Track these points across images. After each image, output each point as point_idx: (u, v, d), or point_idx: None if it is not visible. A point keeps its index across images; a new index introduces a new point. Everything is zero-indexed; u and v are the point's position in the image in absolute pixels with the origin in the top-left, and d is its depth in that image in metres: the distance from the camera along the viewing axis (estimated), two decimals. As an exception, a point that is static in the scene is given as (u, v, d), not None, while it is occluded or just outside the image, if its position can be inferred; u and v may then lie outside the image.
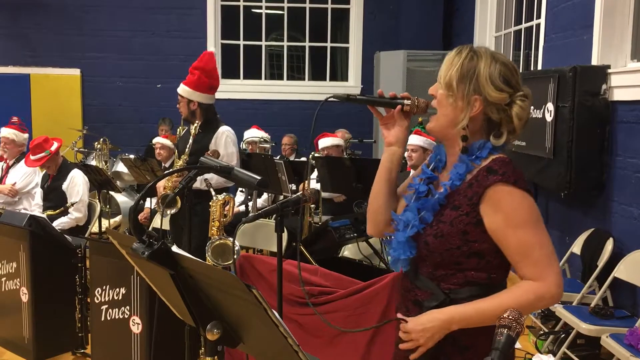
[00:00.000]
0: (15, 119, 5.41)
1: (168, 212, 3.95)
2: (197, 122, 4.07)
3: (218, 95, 4.22)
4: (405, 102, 1.64)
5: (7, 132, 5.22)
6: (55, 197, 4.77)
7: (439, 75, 1.60)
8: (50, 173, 4.88)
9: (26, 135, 5.35)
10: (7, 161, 5.33)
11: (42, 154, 4.70)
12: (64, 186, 4.75)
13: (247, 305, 1.23)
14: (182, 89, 4.03)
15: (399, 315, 1.63)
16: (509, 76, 1.55)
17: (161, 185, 4.07)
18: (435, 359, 1.59)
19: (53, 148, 4.75)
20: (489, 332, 1.51)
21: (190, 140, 4.02)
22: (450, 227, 1.55)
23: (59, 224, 4.58)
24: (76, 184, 4.76)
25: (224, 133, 4.06)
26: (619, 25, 4.13)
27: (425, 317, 1.57)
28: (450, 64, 1.57)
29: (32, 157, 4.75)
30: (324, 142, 5.42)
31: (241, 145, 6.19)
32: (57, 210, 4.67)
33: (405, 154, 4.77)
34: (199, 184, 3.79)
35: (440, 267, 1.59)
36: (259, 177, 1.64)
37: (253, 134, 6.18)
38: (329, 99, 1.66)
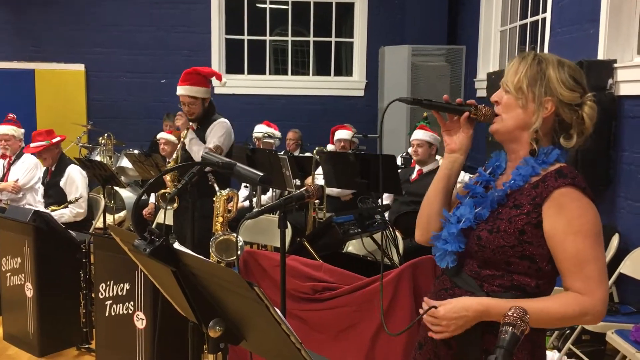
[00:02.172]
0: (11, 115, 5.40)
1: (168, 207, 3.96)
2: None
3: (222, 90, 4.23)
4: (472, 109, 1.61)
5: (6, 129, 5.21)
6: (54, 194, 4.78)
7: (503, 82, 1.59)
8: (48, 166, 4.88)
9: (23, 131, 5.35)
10: (10, 158, 5.33)
11: (42, 143, 4.70)
12: (62, 183, 4.75)
13: (249, 302, 1.22)
14: (197, 90, 3.99)
15: (428, 300, 1.58)
16: (578, 77, 1.57)
17: (167, 179, 4.10)
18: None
19: (54, 140, 4.75)
20: (523, 341, 1.46)
21: (179, 146, 4.05)
22: (507, 223, 1.51)
23: (59, 215, 4.58)
24: (74, 181, 4.75)
25: (218, 123, 4.08)
26: (626, 19, 4.09)
27: (460, 304, 1.52)
28: (516, 69, 1.57)
29: (31, 145, 4.76)
30: (342, 134, 5.45)
31: (254, 140, 6.20)
32: (62, 206, 4.68)
33: (411, 150, 4.76)
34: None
35: (488, 265, 1.55)
36: (261, 173, 1.63)
37: (261, 129, 6.18)
38: (395, 101, 1.63)
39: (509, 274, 1.53)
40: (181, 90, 4.00)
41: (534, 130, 1.54)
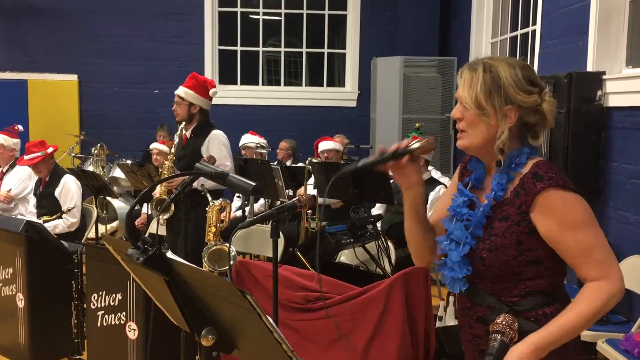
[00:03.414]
0: (19, 127, 5.39)
1: (162, 217, 3.95)
2: (188, 125, 4.09)
3: (216, 100, 4.25)
4: (414, 147, 1.58)
5: None
6: (48, 204, 4.75)
7: (460, 98, 1.58)
8: (42, 177, 4.86)
9: (16, 141, 5.31)
10: (2, 168, 5.31)
11: (37, 154, 4.69)
12: (57, 192, 4.73)
13: (241, 311, 1.23)
14: (185, 92, 4.02)
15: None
16: (532, 76, 1.56)
17: (156, 190, 4.08)
18: None
19: (49, 150, 4.75)
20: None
21: (177, 141, 4.05)
22: (503, 239, 1.54)
23: (53, 226, 4.56)
24: (69, 190, 4.73)
25: (216, 136, 4.08)
26: (614, 31, 4.15)
27: (512, 356, 1.43)
28: (470, 84, 1.54)
29: (25, 157, 4.74)
30: (325, 145, 5.46)
31: (240, 151, 6.20)
32: (54, 216, 4.66)
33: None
34: (195, 184, 3.79)
35: (499, 280, 1.58)
36: (253, 183, 1.65)
37: (249, 139, 6.19)
38: (337, 177, 1.68)
39: (521, 283, 1.57)
40: (177, 89, 4.05)
41: (501, 141, 1.53)
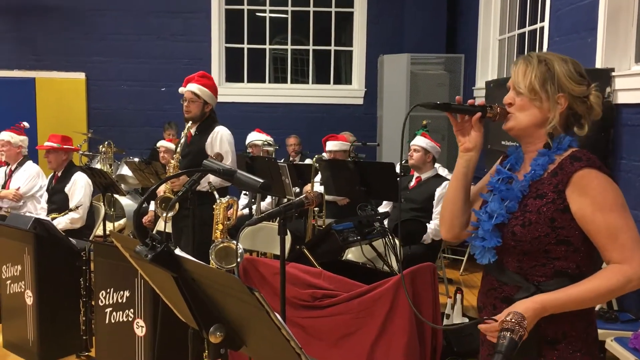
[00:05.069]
0: (25, 124, 5.41)
1: (167, 215, 3.95)
2: (194, 123, 4.10)
3: (222, 98, 4.27)
4: (488, 109, 1.70)
5: (3, 134, 5.23)
6: (59, 200, 4.78)
7: (514, 85, 1.69)
8: (53, 170, 4.87)
9: (23, 138, 5.32)
10: (10, 166, 5.33)
11: (52, 143, 4.73)
12: (67, 189, 4.75)
13: (249, 308, 1.23)
14: (201, 90, 4.00)
15: (486, 319, 1.61)
16: (581, 70, 1.68)
17: (161, 188, 4.08)
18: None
19: (65, 146, 4.77)
20: (577, 322, 1.59)
21: (182, 140, 4.05)
22: (537, 215, 1.59)
23: (56, 223, 4.58)
24: (78, 187, 4.74)
25: (219, 132, 4.07)
26: (623, 28, 4.12)
27: (517, 311, 1.52)
28: (524, 71, 1.67)
29: (45, 143, 4.78)
30: (332, 145, 5.46)
31: (247, 149, 6.20)
32: (63, 213, 4.68)
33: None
34: (201, 185, 3.79)
35: (527, 257, 1.63)
36: (261, 180, 1.65)
37: (255, 137, 6.19)
38: (417, 106, 1.71)
39: (549, 262, 1.61)
40: (189, 86, 4.02)
41: (551, 126, 1.64)
